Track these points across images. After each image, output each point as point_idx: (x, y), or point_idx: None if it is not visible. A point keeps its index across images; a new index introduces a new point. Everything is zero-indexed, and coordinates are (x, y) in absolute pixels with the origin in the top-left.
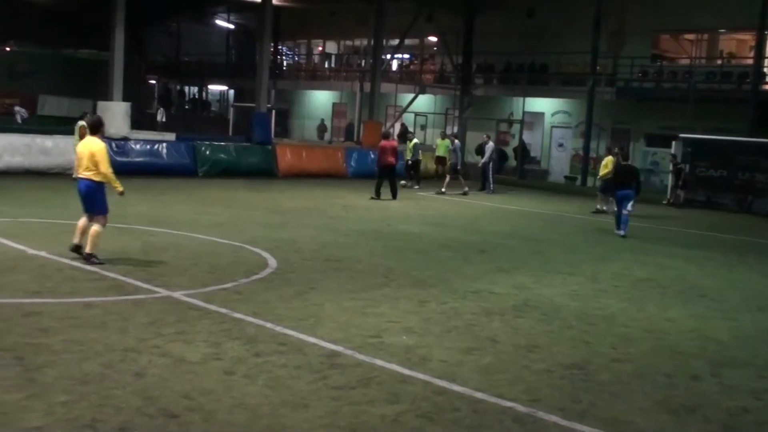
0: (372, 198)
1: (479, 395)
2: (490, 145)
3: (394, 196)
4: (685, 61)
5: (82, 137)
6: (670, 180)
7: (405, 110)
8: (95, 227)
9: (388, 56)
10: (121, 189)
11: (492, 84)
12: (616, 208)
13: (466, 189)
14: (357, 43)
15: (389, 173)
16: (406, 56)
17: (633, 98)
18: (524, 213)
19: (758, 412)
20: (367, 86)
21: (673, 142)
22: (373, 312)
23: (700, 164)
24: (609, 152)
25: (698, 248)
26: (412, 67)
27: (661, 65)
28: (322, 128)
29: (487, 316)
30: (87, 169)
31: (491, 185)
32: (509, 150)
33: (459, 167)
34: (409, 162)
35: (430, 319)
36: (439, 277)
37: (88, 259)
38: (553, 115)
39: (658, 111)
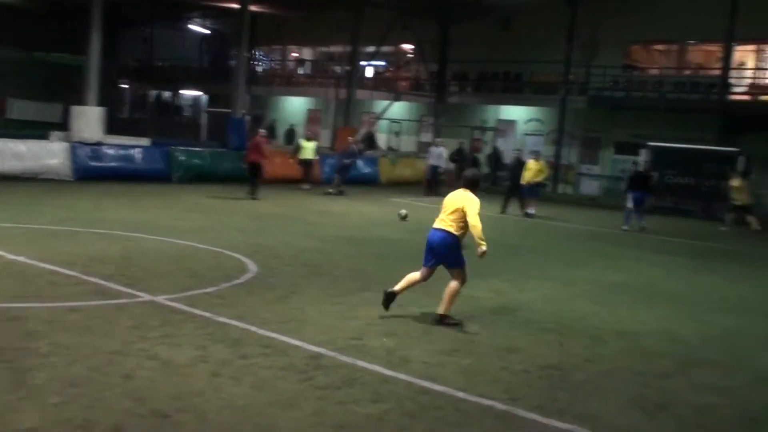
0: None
1: (461, 394)
2: (433, 149)
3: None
4: (656, 71)
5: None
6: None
7: (380, 117)
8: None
9: (364, 63)
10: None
11: (466, 92)
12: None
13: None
14: (333, 49)
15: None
16: (382, 63)
17: (604, 107)
18: (497, 219)
19: (725, 409)
20: (343, 93)
21: (641, 150)
22: (354, 315)
23: (668, 172)
24: (536, 156)
25: (666, 254)
26: (387, 74)
27: (632, 75)
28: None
29: (466, 319)
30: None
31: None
32: (482, 157)
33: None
34: (306, 161)
35: (410, 323)
36: None
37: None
38: (525, 123)
39: (628, 120)
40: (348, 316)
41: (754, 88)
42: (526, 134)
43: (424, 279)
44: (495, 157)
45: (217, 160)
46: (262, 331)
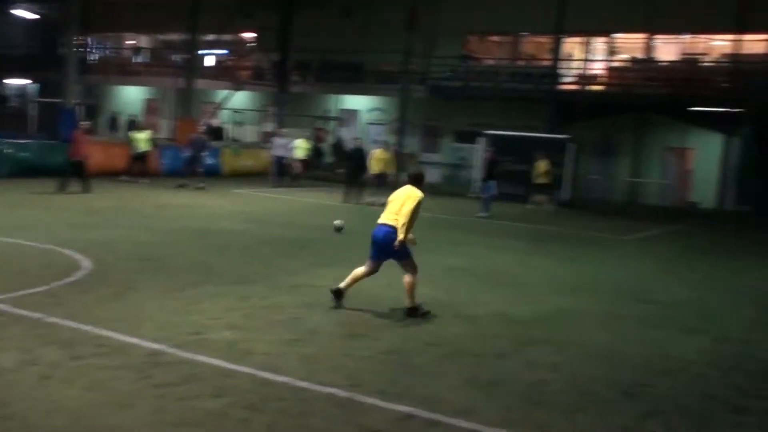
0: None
1: (303, 384)
2: (277, 140)
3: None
4: (492, 62)
5: None
6: (476, 174)
7: (221, 107)
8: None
9: (204, 52)
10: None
11: (309, 81)
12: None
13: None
14: (171, 37)
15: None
16: (223, 52)
17: (443, 96)
18: (339, 208)
19: (556, 384)
20: (182, 82)
21: (479, 138)
22: (194, 309)
23: (505, 159)
24: (385, 146)
25: (503, 238)
26: (228, 63)
27: (470, 65)
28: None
29: (309, 309)
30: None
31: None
32: (326, 147)
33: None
34: (136, 154)
35: (252, 315)
36: (261, 273)
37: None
38: (368, 112)
39: (466, 109)
40: (189, 310)
41: (582, 78)
42: (369, 123)
43: (370, 273)
44: (338, 146)
45: (46, 153)
46: (96, 330)
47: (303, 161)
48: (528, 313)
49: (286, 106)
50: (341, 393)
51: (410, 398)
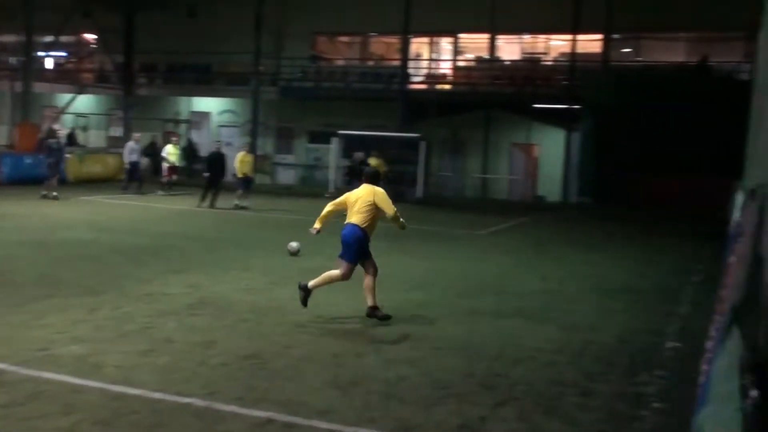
0: None
1: (157, 395)
2: (130, 145)
3: None
4: (342, 62)
5: None
6: (332, 174)
7: (63, 111)
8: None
9: (42, 54)
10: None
11: (156, 84)
12: None
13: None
14: (5, 39)
15: None
16: (63, 54)
17: (295, 97)
18: (193, 213)
19: (413, 378)
20: (19, 86)
21: (333, 139)
22: (39, 324)
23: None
24: (247, 149)
25: None
26: (69, 65)
27: (320, 66)
28: None
29: (162, 318)
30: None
31: (133, 186)
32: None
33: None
34: None
35: (102, 326)
36: (111, 283)
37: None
38: (219, 114)
39: (319, 109)
40: (33, 325)
41: (431, 78)
42: (221, 126)
43: (345, 278)
44: (190, 150)
45: None
46: None
47: (174, 168)
48: (385, 311)
49: (133, 109)
50: (198, 402)
51: (269, 403)
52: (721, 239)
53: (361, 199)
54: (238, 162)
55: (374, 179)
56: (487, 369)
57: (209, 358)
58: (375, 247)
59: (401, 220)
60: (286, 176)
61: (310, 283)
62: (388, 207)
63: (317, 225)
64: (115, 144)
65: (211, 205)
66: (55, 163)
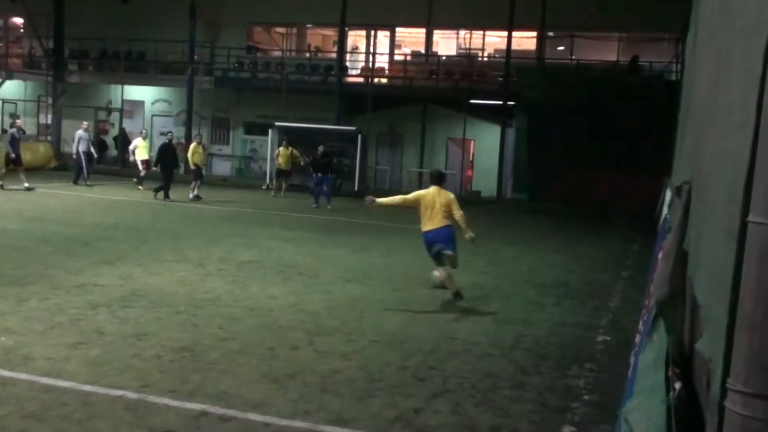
0: None
1: (88, 388)
2: (80, 133)
3: None
4: (278, 54)
5: None
6: (269, 166)
7: None
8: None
9: None
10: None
11: (88, 71)
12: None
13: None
14: None
15: None
16: None
17: (231, 87)
18: (127, 203)
19: (348, 372)
20: None
21: (270, 130)
22: None
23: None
24: (199, 140)
25: (296, 229)
26: None
27: (256, 56)
28: None
29: (93, 309)
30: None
31: (86, 176)
32: (109, 140)
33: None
34: None
35: (31, 318)
36: (40, 273)
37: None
38: (153, 103)
39: (255, 100)
40: None
41: (367, 71)
42: (154, 115)
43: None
44: (123, 138)
45: None
46: None
47: (145, 161)
48: (320, 304)
49: (63, 96)
50: (130, 395)
51: (203, 395)
52: (651, 235)
53: (439, 203)
54: (191, 153)
55: (441, 180)
56: (422, 362)
57: (142, 350)
58: (311, 240)
59: (466, 225)
60: (222, 167)
61: (452, 289)
62: (457, 209)
63: (379, 200)
64: (45, 132)
65: (166, 196)
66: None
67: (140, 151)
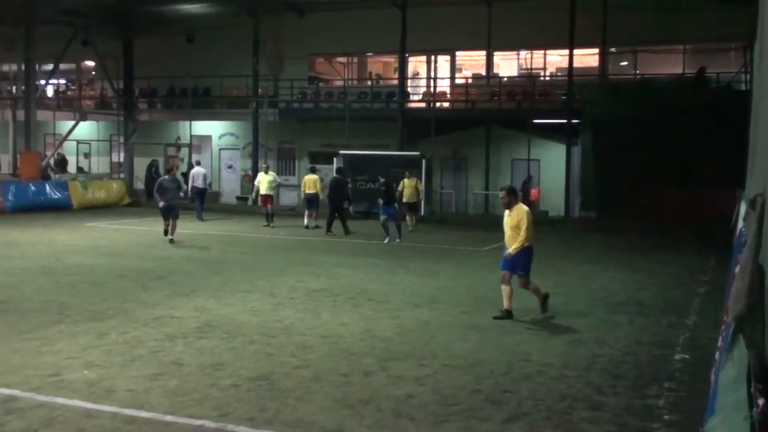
0: None
1: (169, 418)
2: (199, 170)
3: None
4: (340, 83)
5: None
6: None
7: (65, 138)
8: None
9: (43, 82)
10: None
11: (156, 109)
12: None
13: None
14: (6, 68)
15: None
16: (63, 82)
17: (295, 118)
18: (199, 236)
19: (421, 396)
20: (21, 114)
21: (335, 158)
22: (49, 350)
23: (359, 178)
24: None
25: (363, 256)
26: (69, 92)
27: (318, 87)
28: None
29: (171, 341)
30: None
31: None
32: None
33: None
34: None
35: (111, 351)
36: (118, 307)
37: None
38: (220, 137)
39: (318, 130)
40: (43, 351)
41: (429, 96)
42: (222, 149)
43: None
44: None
45: None
46: None
47: (268, 197)
48: (391, 329)
49: (134, 134)
50: (209, 424)
51: (280, 423)
52: (726, 249)
53: (511, 226)
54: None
55: (512, 193)
56: (495, 385)
57: (219, 380)
58: (378, 266)
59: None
60: (289, 198)
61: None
62: (525, 230)
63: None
64: (118, 169)
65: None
66: None
67: (263, 185)
